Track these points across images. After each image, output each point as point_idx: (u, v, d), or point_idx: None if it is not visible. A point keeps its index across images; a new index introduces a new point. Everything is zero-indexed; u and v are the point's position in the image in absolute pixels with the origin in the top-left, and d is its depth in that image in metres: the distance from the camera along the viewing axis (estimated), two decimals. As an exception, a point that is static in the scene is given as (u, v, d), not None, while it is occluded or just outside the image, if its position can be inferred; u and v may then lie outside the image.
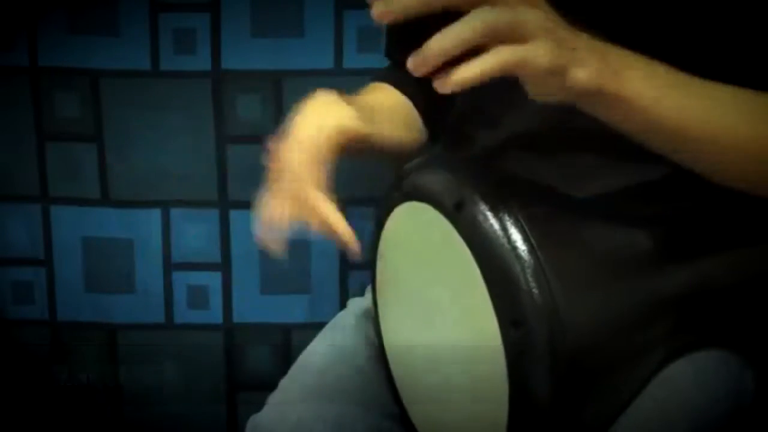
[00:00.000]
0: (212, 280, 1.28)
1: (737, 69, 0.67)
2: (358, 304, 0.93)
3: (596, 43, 0.60)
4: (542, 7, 0.58)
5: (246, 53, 1.19)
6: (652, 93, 0.62)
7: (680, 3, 0.70)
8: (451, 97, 0.76)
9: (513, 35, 0.55)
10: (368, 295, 0.89)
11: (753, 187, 0.68)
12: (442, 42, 0.55)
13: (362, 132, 0.76)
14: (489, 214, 0.61)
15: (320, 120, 0.75)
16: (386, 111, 0.87)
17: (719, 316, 0.73)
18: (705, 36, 0.69)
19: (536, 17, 0.56)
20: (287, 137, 0.76)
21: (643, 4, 0.71)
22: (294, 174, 0.74)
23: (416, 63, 0.56)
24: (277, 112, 1.21)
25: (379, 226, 0.77)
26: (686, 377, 0.70)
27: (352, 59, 1.19)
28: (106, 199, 1.25)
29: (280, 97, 1.21)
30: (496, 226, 0.61)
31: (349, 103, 0.78)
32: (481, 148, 0.82)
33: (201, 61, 1.19)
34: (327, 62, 1.19)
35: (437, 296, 0.70)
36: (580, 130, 0.71)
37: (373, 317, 0.84)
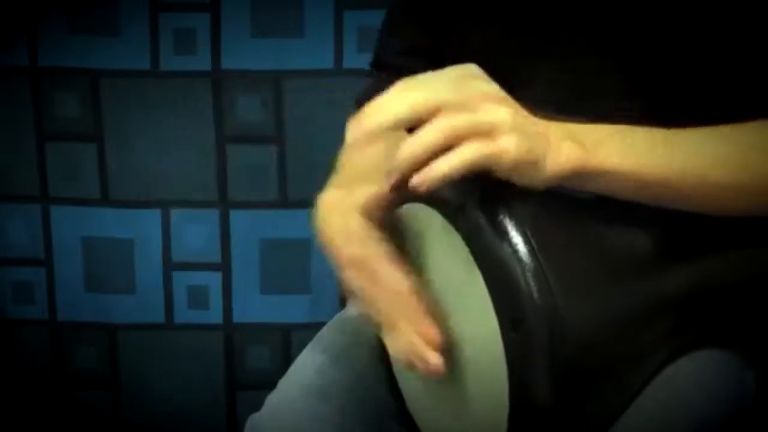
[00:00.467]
0: (212, 280, 1.28)
1: (732, 84, 0.68)
2: (358, 304, 0.93)
3: (568, 126, 0.62)
4: (509, 104, 0.60)
5: (246, 53, 1.19)
6: (631, 160, 0.63)
7: (668, 20, 0.70)
8: None
9: (480, 135, 0.58)
10: (368, 295, 0.88)
11: (753, 213, 0.69)
12: (413, 149, 0.58)
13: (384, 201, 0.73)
14: (490, 216, 0.61)
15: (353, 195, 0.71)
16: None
17: (720, 316, 0.73)
18: (698, 49, 0.70)
19: (502, 114, 0.58)
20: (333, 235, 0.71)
21: (636, 27, 0.71)
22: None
23: (391, 176, 0.60)
24: (277, 112, 1.21)
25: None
26: (687, 377, 0.70)
27: (352, 59, 1.19)
28: (106, 199, 1.25)
29: (280, 97, 1.21)
30: (496, 228, 0.61)
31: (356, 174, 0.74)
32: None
33: (201, 61, 1.19)
34: (327, 62, 1.19)
35: (438, 296, 0.70)
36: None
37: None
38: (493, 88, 0.60)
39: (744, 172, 0.67)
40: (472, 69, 0.61)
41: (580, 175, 0.62)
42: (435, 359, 0.64)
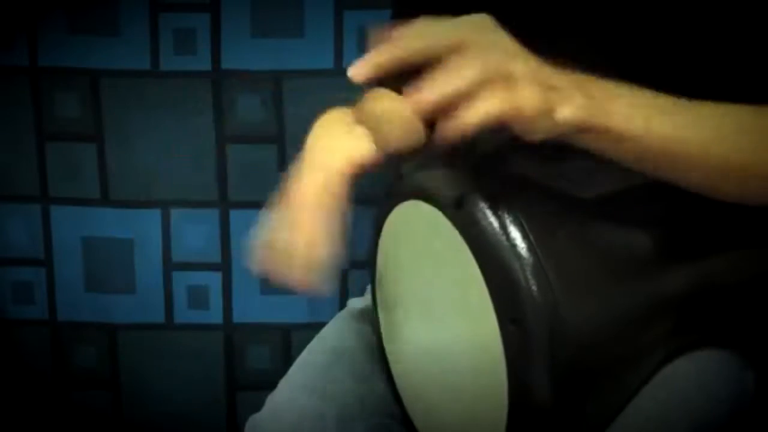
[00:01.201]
0: (212, 280, 1.28)
1: (728, 83, 0.68)
2: (357, 304, 0.93)
3: (579, 78, 0.61)
4: (522, 52, 0.59)
5: (246, 53, 1.19)
6: (639, 121, 0.62)
7: (665, 19, 0.70)
8: None
9: (501, 83, 0.57)
10: (368, 295, 0.89)
11: (752, 201, 0.69)
12: (443, 90, 0.57)
13: (372, 162, 0.74)
14: (488, 213, 0.61)
15: (335, 146, 0.72)
16: (391, 119, 0.86)
17: (720, 316, 0.73)
18: (694, 48, 0.70)
19: (519, 64, 0.58)
20: (301, 162, 0.74)
21: (633, 25, 0.71)
22: (305, 203, 0.71)
23: (413, 116, 0.59)
24: (277, 112, 1.21)
25: (379, 225, 0.77)
26: (687, 377, 0.70)
27: (352, 59, 1.17)
28: (106, 199, 1.25)
29: (280, 97, 1.21)
30: (495, 224, 0.61)
31: (356, 122, 0.76)
32: (482, 147, 0.82)
33: (201, 61, 1.19)
34: (327, 62, 1.19)
35: (437, 294, 0.70)
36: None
37: (372, 317, 0.84)
38: (507, 37, 0.59)
39: (744, 152, 0.66)
40: (487, 19, 0.60)
41: (584, 129, 0.61)
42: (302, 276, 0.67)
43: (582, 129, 0.60)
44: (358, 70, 0.59)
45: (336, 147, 0.72)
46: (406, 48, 0.59)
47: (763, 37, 0.68)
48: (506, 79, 0.57)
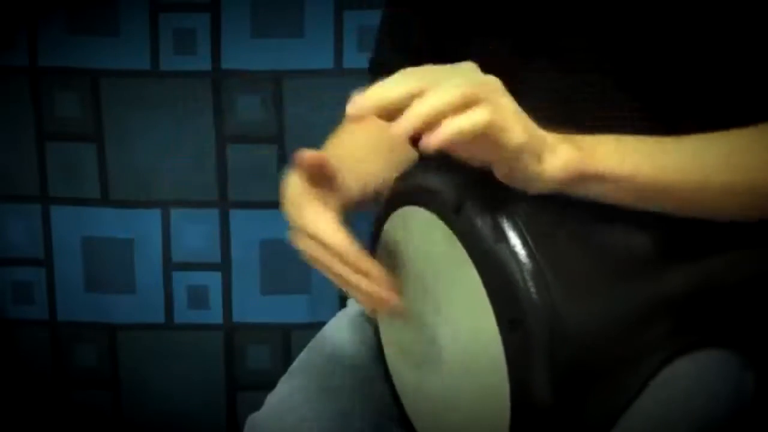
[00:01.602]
0: (212, 280, 1.28)
1: (718, 101, 0.69)
2: (357, 304, 0.93)
3: (563, 135, 0.62)
4: (511, 99, 0.60)
5: (246, 53, 1.19)
6: (628, 165, 0.64)
7: (665, 22, 0.70)
8: None
9: (489, 104, 0.57)
10: (368, 295, 0.88)
11: (750, 217, 0.70)
12: (423, 108, 0.56)
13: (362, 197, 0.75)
14: (487, 219, 0.61)
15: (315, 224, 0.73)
16: (369, 156, 0.85)
17: (720, 316, 0.73)
18: (693, 52, 0.70)
19: (508, 101, 0.59)
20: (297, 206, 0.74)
21: (634, 30, 0.71)
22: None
23: (400, 129, 0.57)
24: (277, 112, 1.21)
25: (379, 226, 0.77)
26: (687, 378, 0.70)
27: (352, 59, 1.19)
28: (106, 199, 1.25)
29: (280, 97, 1.21)
30: (494, 229, 0.61)
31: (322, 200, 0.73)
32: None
33: (201, 61, 1.19)
34: (327, 62, 1.19)
35: (437, 297, 0.70)
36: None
37: (372, 317, 0.84)
38: (497, 82, 0.60)
39: (741, 176, 0.67)
40: (471, 66, 0.61)
41: (577, 178, 0.62)
42: (393, 298, 0.68)
43: (573, 178, 0.62)
44: (353, 110, 0.59)
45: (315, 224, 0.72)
46: (388, 95, 0.58)
47: (760, 42, 0.68)
48: (495, 104, 0.57)
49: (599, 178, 0.63)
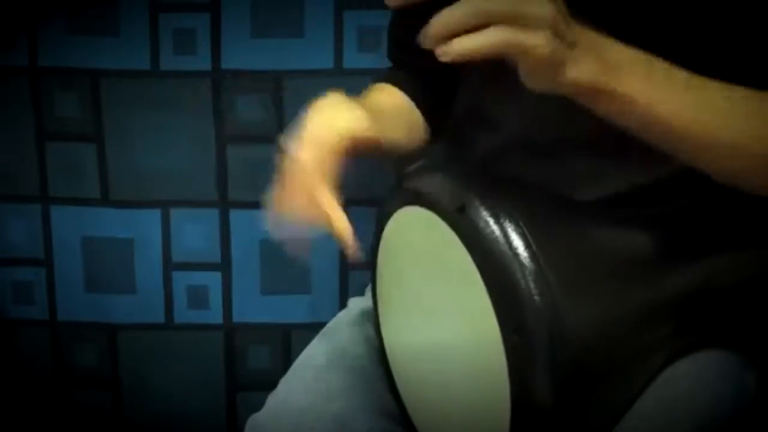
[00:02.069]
0: (212, 280, 1.28)
1: (738, 66, 0.67)
2: (358, 304, 0.93)
3: (597, 40, 0.61)
4: (555, 2, 0.59)
5: (246, 53, 1.19)
6: (648, 92, 0.62)
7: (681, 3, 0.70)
8: (452, 99, 0.77)
9: (515, 22, 0.57)
10: (368, 295, 0.89)
11: (754, 186, 0.68)
12: (446, 20, 0.57)
13: (370, 134, 0.76)
14: (490, 220, 0.61)
15: (330, 121, 0.76)
16: (391, 112, 0.88)
17: (720, 316, 0.73)
18: (707, 32, 0.69)
19: (541, 8, 0.58)
20: (298, 136, 0.76)
21: (645, 5, 0.71)
22: (303, 170, 0.74)
23: (423, 37, 0.58)
24: (277, 112, 1.21)
25: (380, 226, 0.77)
26: (689, 378, 0.70)
27: (352, 59, 1.19)
28: (106, 199, 1.25)
29: (280, 97, 1.21)
30: (497, 231, 0.61)
31: (356, 105, 0.78)
32: (482, 151, 0.82)
33: (201, 61, 1.19)
34: (327, 62, 1.19)
35: (438, 298, 0.70)
36: (580, 133, 0.71)
37: (373, 317, 0.84)
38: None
39: (750, 136, 0.66)
40: None
41: (591, 93, 0.61)
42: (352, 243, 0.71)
43: (588, 91, 0.61)
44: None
45: (330, 119, 0.74)
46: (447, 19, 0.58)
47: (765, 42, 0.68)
48: (523, 21, 0.57)
49: (613, 97, 0.61)
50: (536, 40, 0.57)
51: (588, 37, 0.61)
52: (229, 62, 1.20)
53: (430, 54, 0.64)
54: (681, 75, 0.64)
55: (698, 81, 0.65)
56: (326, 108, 0.77)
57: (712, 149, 0.66)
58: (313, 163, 0.74)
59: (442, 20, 0.57)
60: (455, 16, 0.57)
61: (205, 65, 1.19)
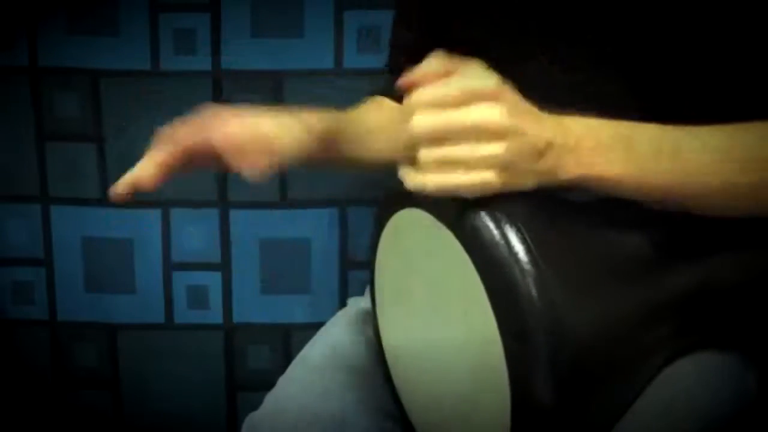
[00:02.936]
0: (212, 280, 1.28)
1: (734, 93, 0.68)
2: (357, 304, 0.93)
3: (571, 130, 0.62)
4: (511, 132, 0.60)
5: (246, 53, 1.19)
6: (634, 170, 0.64)
7: (670, 25, 0.70)
8: None
9: (497, 165, 0.59)
10: (368, 294, 0.89)
11: (755, 212, 0.69)
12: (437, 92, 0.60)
13: (331, 130, 0.76)
14: (490, 224, 0.61)
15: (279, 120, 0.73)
16: (380, 130, 0.86)
17: (721, 316, 0.73)
18: (691, 61, 0.70)
19: (503, 150, 0.59)
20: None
21: (638, 31, 0.71)
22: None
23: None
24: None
25: (380, 227, 0.77)
26: (690, 378, 0.70)
27: (352, 59, 1.19)
28: (106, 199, 1.25)
29: (280, 97, 1.21)
30: (497, 235, 0.61)
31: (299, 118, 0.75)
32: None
33: (201, 61, 1.19)
34: (327, 62, 1.19)
35: (437, 299, 0.69)
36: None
37: (372, 317, 0.84)
38: (494, 110, 0.60)
39: (748, 172, 0.67)
40: (476, 71, 0.61)
41: (581, 183, 0.63)
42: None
43: (578, 182, 0.63)
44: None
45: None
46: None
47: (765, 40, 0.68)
48: (502, 163, 0.59)
49: (601, 181, 0.63)
50: (523, 174, 0.60)
51: (561, 131, 0.61)
52: (229, 62, 1.20)
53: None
54: (664, 136, 0.65)
55: (685, 135, 0.66)
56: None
57: (712, 198, 0.67)
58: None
59: (431, 92, 0.60)
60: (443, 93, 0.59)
61: (205, 65, 1.19)
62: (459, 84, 0.59)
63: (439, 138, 0.59)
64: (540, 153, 0.60)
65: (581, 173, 0.62)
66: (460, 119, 0.59)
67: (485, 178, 0.59)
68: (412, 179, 0.61)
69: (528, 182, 0.61)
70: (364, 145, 0.80)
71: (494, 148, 0.59)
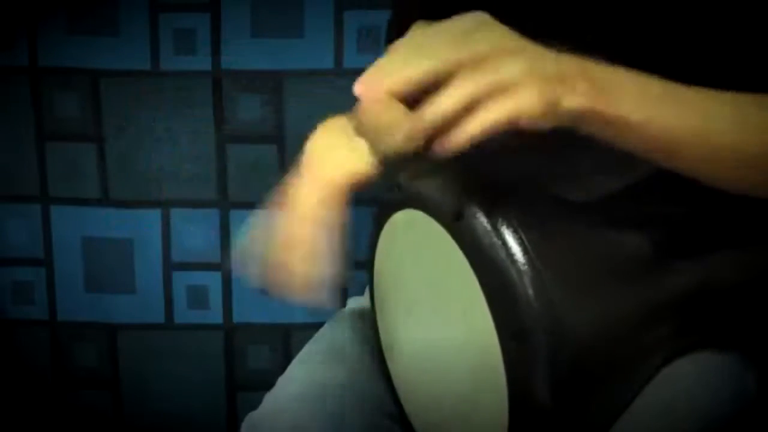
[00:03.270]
0: (212, 280, 1.28)
1: (736, 71, 0.67)
2: (357, 304, 0.93)
3: (584, 66, 0.61)
4: (521, 48, 0.58)
5: (246, 53, 1.19)
6: (644, 110, 0.62)
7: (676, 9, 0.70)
8: None
9: (499, 93, 0.56)
10: (368, 294, 0.89)
11: (756, 192, 0.68)
12: (433, 115, 0.56)
13: (373, 176, 0.75)
14: (487, 226, 0.61)
15: (336, 161, 0.72)
16: (391, 130, 0.86)
17: (721, 316, 0.73)
18: (702, 38, 0.69)
19: (517, 66, 0.57)
20: (299, 175, 0.74)
21: (641, 15, 0.71)
22: (304, 218, 0.72)
23: (413, 134, 0.57)
24: (277, 112, 1.21)
25: (379, 227, 0.77)
26: (690, 378, 0.70)
27: (352, 59, 1.19)
28: (106, 199, 1.25)
29: (280, 97, 1.21)
30: (494, 236, 0.61)
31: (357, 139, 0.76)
32: (479, 152, 0.82)
33: (201, 61, 1.19)
34: (327, 62, 1.19)
35: (436, 299, 0.69)
36: (579, 133, 0.71)
37: (372, 317, 0.84)
38: (505, 36, 0.58)
39: (749, 140, 0.66)
40: (482, 18, 0.60)
41: (589, 118, 0.60)
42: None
43: (585, 118, 0.60)
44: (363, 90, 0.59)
45: (336, 159, 0.72)
46: (406, 79, 0.58)
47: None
48: (504, 87, 0.56)
49: (610, 119, 0.61)
50: (526, 99, 0.57)
51: (573, 63, 0.60)
52: (229, 62, 1.20)
53: None
54: (676, 89, 0.64)
55: (694, 92, 0.65)
56: (329, 141, 0.74)
57: (715, 159, 0.65)
58: (316, 210, 0.71)
59: (431, 119, 0.56)
60: (444, 109, 0.56)
61: (205, 65, 1.20)
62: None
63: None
64: (558, 75, 0.58)
65: (588, 105, 0.60)
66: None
67: (511, 103, 0.56)
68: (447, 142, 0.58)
69: (539, 105, 0.57)
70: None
71: (511, 65, 0.57)
